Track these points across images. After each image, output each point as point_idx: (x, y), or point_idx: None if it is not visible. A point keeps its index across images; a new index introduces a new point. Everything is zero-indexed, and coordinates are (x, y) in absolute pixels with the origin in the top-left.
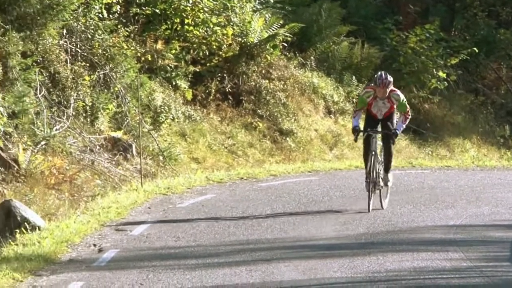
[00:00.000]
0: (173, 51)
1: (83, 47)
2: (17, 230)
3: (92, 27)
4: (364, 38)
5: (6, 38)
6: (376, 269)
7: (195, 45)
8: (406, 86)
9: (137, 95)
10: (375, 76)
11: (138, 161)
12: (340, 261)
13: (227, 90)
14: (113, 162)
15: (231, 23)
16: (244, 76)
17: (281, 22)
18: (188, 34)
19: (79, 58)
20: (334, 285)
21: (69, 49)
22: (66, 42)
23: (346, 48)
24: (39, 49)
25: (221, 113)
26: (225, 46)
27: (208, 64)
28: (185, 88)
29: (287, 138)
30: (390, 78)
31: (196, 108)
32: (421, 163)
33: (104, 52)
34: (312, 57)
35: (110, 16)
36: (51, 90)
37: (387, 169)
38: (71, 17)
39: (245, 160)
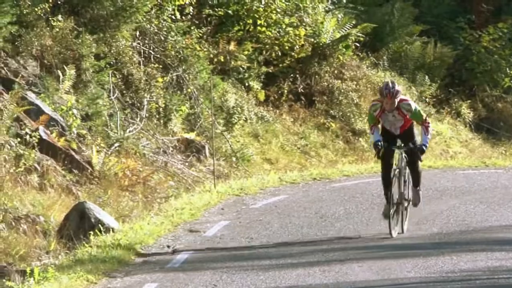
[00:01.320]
0: (246, 52)
1: (156, 49)
2: (91, 232)
3: (165, 29)
4: (436, 38)
5: (80, 41)
6: (450, 269)
7: (267, 46)
8: (480, 85)
9: (210, 97)
10: (381, 86)
11: (211, 162)
12: (414, 261)
13: (299, 91)
14: (186, 164)
15: (304, 24)
16: (316, 76)
17: (353, 22)
18: (260, 35)
19: (152, 60)
20: (408, 285)
21: (142, 51)
22: (139, 44)
23: (418, 47)
24: (112, 51)
25: (293, 113)
26: (297, 46)
27: (280, 65)
28: (257, 89)
29: (360, 139)
30: (398, 87)
31: (269, 109)
32: (494, 162)
33: (177, 53)
34: (384, 57)
35: (183, 17)
36: (124, 92)
37: (416, 183)
38: (144, 19)
39: (318, 161)
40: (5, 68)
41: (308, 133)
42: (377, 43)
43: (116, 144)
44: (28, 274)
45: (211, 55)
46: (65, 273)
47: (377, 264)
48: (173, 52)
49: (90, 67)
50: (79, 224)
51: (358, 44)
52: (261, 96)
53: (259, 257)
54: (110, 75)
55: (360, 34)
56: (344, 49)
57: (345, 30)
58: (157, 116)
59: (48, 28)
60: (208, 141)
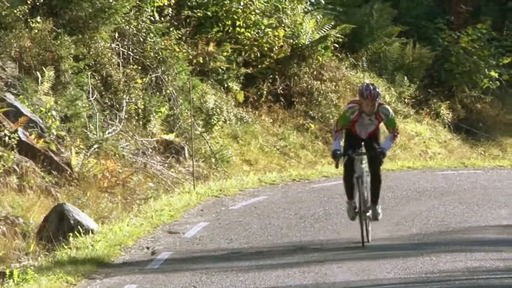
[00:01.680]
0: (225, 53)
1: (135, 50)
2: (70, 234)
3: (144, 30)
4: (415, 38)
5: (59, 42)
6: (430, 270)
7: (246, 47)
8: (459, 86)
9: (189, 98)
10: (361, 88)
11: (191, 164)
12: (393, 262)
13: (278, 92)
14: (166, 165)
15: (283, 25)
16: (295, 77)
17: (332, 23)
18: (239, 36)
19: (131, 61)
20: (387, 286)
21: (121, 52)
22: (118, 45)
23: (397, 48)
24: (91, 53)
25: (273, 114)
26: (276, 47)
27: (259, 66)
28: (236, 90)
29: None
30: (379, 90)
31: (248, 110)
32: (473, 163)
33: (156, 55)
34: (363, 58)
35: (162, 19)
36: (103, 93)
37: (375, 199)
38: (123, 20)
39: (297, 162)
40: None
41: (287, 134)
42: (356, 44)
43: (95, 146)
44: (7, 276)
45: (190, 56)
46: (44, 274)
47: (356, 265)
48: (152, 54)
49: (69, 69)
50: (58, 226)
51: (337, 45)
52: (240, 97)
53: (239, 258)
54: (89, 77)
55: (339, 35)
56: (323, 50)
57: (324, 31)
58: (136, 118)
59: (26, 30)
60: (187, 142)
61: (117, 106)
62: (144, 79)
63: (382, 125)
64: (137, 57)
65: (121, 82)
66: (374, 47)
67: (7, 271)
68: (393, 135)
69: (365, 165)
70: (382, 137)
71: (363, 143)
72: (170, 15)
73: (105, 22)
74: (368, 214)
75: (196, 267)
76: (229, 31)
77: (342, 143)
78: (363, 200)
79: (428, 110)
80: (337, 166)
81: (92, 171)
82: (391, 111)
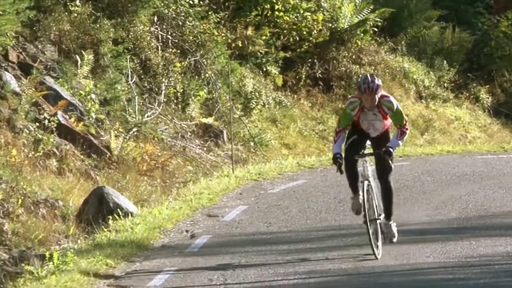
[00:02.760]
0: (264, 37)
1: (174, 34)
2: (110, 217)
3: (183, 14)
4: (454, 23)
5: (98, 26)
6: (469, 254)
7: (285, 31)
8: (498, 70)
9: (227, 82)
10: (359, 81)
11: (229, 147)
12: (433, 246)
13: (317, 76)
14: (204, 149)
15: (321, 9)
16: (334, 61)
17: (371, 7)
18: (278, 20)
19: (170, 45)
20: (427, 270)
21: (160, 36)
22: (157, 29)
23: (437, 32)
24: (130, 36)
25: (311, 98)
26: (315, 31)
27: (298, 50)
28: (275, 74)
29: None
30: (379, 81)
31: (287, 94)
32: None
33: (194, 38)
34: (402, 42)
35: (201, 2)
36: (142, 77)
37: (388, 214)
38: (162, 4)
39: None
40: (23, 53)
41: (326, 118)
42: (395, 28)
43: (134, 129)
44: (47, 258)
45: (229, 40)
46: (84, 257)
47: (395, 249)
48: (191, 37)
49: (108, 52)
50: (98, 209)
51: (376, 29)
52: (279, 81)
53: (278, 241)
54: (128, 60)
55: (378, 19)
56: (362, 34)
57: (363, 15)
58: (175, 101)
59: (66, 13)
60: (226, 126)
61: (156, 89)
62: (183, 63)
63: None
64: (176, 40)
65: (160, 66)
66: (413, 31)
67: (47, 254)
68: (400, 131)
69: (372, 169)
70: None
71: (369, 142)
72: None
73: (144, 5)
74: (379, 221)
75: (235, 250)
76: (268, 14)
77: (343, 146)
78: (372, 208)
79: (467, 94)
80: (340, 172)
81: (131, 154)
82: (395, 103)
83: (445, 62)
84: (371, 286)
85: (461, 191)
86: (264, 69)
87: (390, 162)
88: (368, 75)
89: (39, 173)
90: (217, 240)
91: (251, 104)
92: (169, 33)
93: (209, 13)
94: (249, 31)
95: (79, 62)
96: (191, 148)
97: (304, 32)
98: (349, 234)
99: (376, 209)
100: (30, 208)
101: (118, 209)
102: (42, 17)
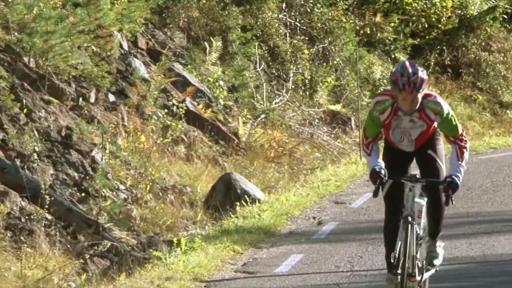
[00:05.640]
0: (392, 24)
1: (302, 21)
2: (237, 203)
3: (311, 1)
4: None
5: (226, 13)
6: None
7: (414, 18)
8: None
9: (355, 68)
10: (393, 72)
11: (357, 134)
12: None
13: (446, 63)
14: (332, 135)
15: None
16: (463, 48)
17: None
18: (407, 7)
19: (298, 31)
20: None
21: (288, 23)
22: (285, 15)
23: None
24: (258, 23)
25: (440, 85)
26: (444, 18)
27: (427, 37)
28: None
29: (508, 111)
30: (423, 73)
31: None
32: None
33: (323, 25)
34: None
35: None
36: (270, 64)
37: (434, 233)
38: None
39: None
40: (152, 40)
41: (454, 105)
42: None
43: (262, 116)
44: (175, 244)
45: (357, 27)
46: (211, 243)
47: None
48: (319, 24)
49: (237, 39)
50: (225, 195)
51: (505, 16)
52: None
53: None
54: (257, 47)
55: (508, 6)
56: (492, 21)
57: (493, 2)
58: (303, 88)
59: (195, 0)
60: (354, 113)
61: (284, 76)
62: (311, 50)
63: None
64: (304, 27)
65: (288, 53)
66: None
67: (175, 240)
68: (458, 147)
69: (416, 201)
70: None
71: (412, 160)
72: None
73: None
74: (417, 276)
75: (362, 237)
76: (397, 1)
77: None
78: (413, 257)
79: None
80: (376, 194)
81: (259, 141)
82: (445, 106)
83: None
84: (499, 274)
85: None
86: (392, 56)
87: (450, 193)
88: (407, 63)
89: (167, 159)
90: (344, 227)
91: (379, 91)
92: (297, 20)
93: (338, 0)
94: (378, 18)
95: (208, 49)
96: (319, 135)
97: (433, 19)
98: (477, 222)
99: (413, 260)
100: (158, 194)
101: (246, 196)
102: (171, 4)
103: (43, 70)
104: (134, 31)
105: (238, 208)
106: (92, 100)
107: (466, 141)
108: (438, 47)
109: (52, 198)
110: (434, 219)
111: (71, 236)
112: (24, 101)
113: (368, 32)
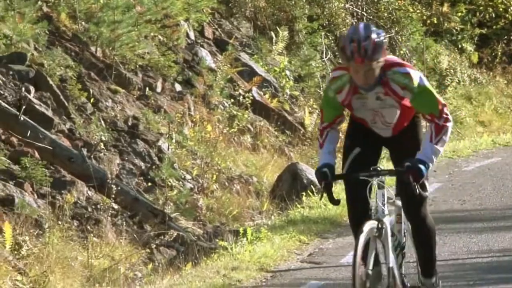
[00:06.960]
0: (459, 14)
1: (369, 10)
2: (303, 193)
3: None
4: None
5: (293, 2)
6: None
7: (481, 8)
8: None
9: (422, 58)
10: (343, 35)
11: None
12: None
13: None
14: None
15: None
16: None
17: None
18: None
19: (364, 21)
20: None
21: (354, 13)
22: (352, 5)
23: None
24: (325, 13)
25: (507, 76)
26: (511, 8)
27: (494, 27)
28: (470, 51)
29: None
30: (380, 35)
31: (482, 71)
32: None
33: (389, 15)
34: None
35: None
36: (336, 53)
37: (428, 269)
38: None
39: None
40: (219, 30)
41: None
42: None
43: None
44: (241, 234)
45: (424, 17)
46: (277, 233)
47: None
48: (386, 14)
49: (303, 29)
50: (291, 185)
51: None
52: (475, 58)
53: (472, 219)
54: (323, 37)
55: None
56: None
57: None
58: None
59: None
60: None
61: None
62: None
63: None
64: (371, 17)
65: None
66: None
67: (241, 230)
68: (435, 126)
69: (385, 198)
70: None
71: (390, 151)
72: None
73: None
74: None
75: None
76: None
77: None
78: (400, 274)
79: None
80: (331, 201)
81: None
82: (416, 77)
83: None
84: None
85: None
86: (460, 46)
87: (419, 188)
88: (361, 25)
89: (234, 149)
90: None
91: (446, 81)
92: (364, 10)
93: None
94: (445, 8)
95: (274, 38)
96: None
97: (500, 9)
98: None
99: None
100: (225, 184)
101: (312, 186)
102: None
103: (110, 59)
104: (201, 21)
105: (304, 198)
106: (159, 90)
107: (447, 118)
108: (505, 37)
109: (119, 188)
110: (421, 246)
111: (138, 226)
112: (91, 90)
113: (435, 22)
